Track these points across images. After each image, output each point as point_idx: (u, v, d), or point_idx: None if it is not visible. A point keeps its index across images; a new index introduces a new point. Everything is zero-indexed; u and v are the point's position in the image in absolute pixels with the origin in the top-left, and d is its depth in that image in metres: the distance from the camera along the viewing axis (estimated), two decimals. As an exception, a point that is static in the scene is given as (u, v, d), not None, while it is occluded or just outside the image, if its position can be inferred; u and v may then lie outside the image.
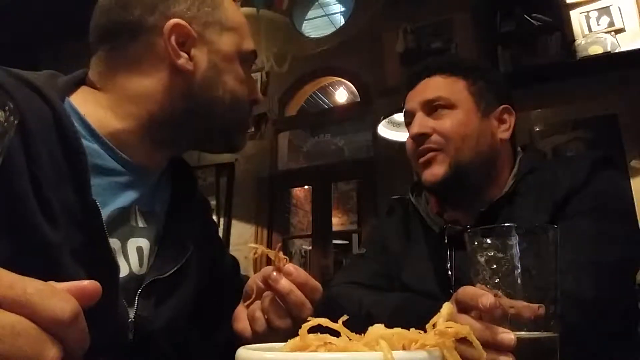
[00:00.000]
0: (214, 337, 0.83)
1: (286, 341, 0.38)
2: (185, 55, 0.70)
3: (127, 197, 0.69)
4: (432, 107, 0.98)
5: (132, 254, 0.70)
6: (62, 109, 0.61)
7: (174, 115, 0.71)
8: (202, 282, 0.79)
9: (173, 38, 0.69)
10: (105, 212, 0.63)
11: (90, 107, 0.68)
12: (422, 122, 0.98)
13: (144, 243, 0.72)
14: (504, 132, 1.00)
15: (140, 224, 0.72)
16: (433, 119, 0.98)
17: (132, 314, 0.66)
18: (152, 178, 0.75)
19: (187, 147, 0.80)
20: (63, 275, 0.57)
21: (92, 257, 0.60)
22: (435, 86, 1.00)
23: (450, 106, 0.97)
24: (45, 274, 0.58)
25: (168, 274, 0.71)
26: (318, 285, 0.66)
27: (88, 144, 0.64)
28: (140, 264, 0.70)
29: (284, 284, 0.63)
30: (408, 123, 1.03)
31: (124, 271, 0.67)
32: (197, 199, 0.84)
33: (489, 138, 0.98)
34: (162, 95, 0.70)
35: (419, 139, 0.98)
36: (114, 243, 0.66)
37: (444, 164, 0.95)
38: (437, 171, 0.96)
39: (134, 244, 0.70)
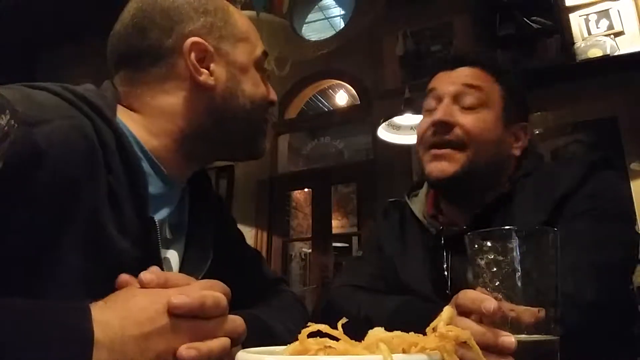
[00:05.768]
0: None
1: None
2: (206, 71, 0.72)
3: (165, 210, 0.72)
4: (464, 98, 0.94)
5: (167, 267, 0.71)
6: (122, 131, 0.63)
7: (203, 128, 0.73)
8: (226, 280, 0.80)
9: (193, 56, 0.71)
10: None
11: (130, 125, 0.69)
12: (449, 110, 0.93)
13: (173, 255, 0.74)
14: (516, 149, 0.98)
15: (169, 236, 0.74)
16: (461, 112, 0.93)
17: None
18: (179, 191, 0.77)
19: (216, 157, 0.81)
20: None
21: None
22: (476, 75, 0.96)
23: (482, 104, 0.93)
24: (113, 286, 0.57)
25: None
26: None
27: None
28: None
29: None
30: (429, 106, 0.98)
31: None
32: (211, 200, 0.85)
33: (505, 149, 0.96)
34: (188, 111, 0.72)
35: (440, 127, 0.93)
36: None
37: (457, 164, 0.92)
38: (447, 168, 0.92)
39: (167, 255, 0.72)
